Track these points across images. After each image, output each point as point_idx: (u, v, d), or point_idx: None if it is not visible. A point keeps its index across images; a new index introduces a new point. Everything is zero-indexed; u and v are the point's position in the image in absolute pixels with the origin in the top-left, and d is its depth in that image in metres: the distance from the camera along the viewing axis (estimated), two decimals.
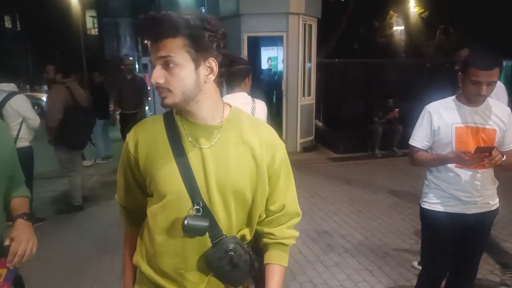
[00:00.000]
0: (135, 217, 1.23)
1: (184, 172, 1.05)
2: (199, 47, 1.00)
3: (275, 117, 7.67)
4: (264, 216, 1.19)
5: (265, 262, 1.20)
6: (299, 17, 6.96)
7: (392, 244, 3.60)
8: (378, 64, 9.07)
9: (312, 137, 7.85)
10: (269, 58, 10.52)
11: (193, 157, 1.06)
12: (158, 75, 1.01)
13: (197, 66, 1.02)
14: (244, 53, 6.87)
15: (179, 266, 1.10)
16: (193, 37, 0.99)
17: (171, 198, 1.07)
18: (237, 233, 1.13)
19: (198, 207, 1.05)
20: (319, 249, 3.49)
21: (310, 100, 7.74)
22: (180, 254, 1.09)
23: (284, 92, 7.24)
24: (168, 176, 1.06)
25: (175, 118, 1.11)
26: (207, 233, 1.06)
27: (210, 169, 1.06)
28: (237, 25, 6.89)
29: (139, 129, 1.14)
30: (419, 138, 2.12)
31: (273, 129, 1.21)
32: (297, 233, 1.23)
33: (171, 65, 0.99)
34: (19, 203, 1.36)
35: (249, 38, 7.09)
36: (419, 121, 2.13)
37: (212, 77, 1.05)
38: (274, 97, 9.20)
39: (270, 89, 9.36)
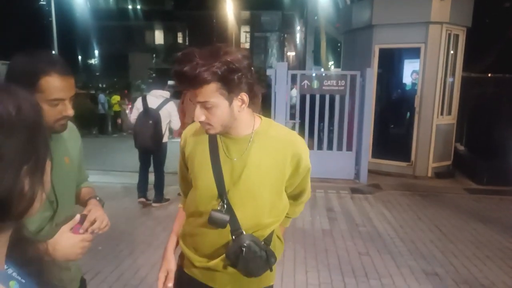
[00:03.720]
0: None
1: (216, 173, 1.27)
2: (230, 88, 1.15)
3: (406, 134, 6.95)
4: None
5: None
6: (442, 26, 6.19)
7: None
8: None
9: (449, 162, 6.84)
10: (414, 71, 9.57)
11: (225, 164, 1.28)
12: (199, 114, 1.19)
13: (230, 102, 1.18)
14: (374, 66, 6.50)
15: (204, 250, 1.33)
16: (223, 82, 1.13)
17: (202, 191, 1.31)
18: (254, 232, 1.30)
19: (223, 203, 1.26)
20: None
21: (450, 119, 6.77)
22: (203, 240, 1.32)
23: (416, 109, 6.53)
24: (204, 173, 1.30)
25: None
26: (228, 227, 1.26)
27: (236, 175, 1.26)
28: (369, 37, 6.58)
29: (189, 130, 1.41)
30: None
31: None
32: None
33: (208, 106, 1.16)
34: (87, 190, 1.54)
35: (389, 51, 6.69)
36: None
37: (244, 106, 1.21)
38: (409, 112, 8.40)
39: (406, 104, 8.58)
